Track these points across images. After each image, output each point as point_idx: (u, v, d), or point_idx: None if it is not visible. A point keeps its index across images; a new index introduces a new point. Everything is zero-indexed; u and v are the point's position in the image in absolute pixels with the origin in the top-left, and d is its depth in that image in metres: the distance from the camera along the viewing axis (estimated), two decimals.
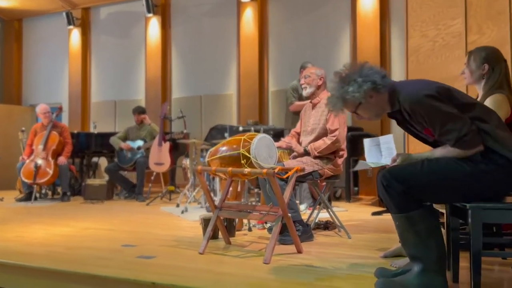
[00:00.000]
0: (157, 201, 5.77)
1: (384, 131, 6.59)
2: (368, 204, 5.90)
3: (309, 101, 3.54)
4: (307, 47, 7.23)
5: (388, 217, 4.43)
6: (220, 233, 3.16)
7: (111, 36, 8.95)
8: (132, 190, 6.22)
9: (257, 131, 5.01)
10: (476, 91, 2.64)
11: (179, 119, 5.87)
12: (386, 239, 3.29)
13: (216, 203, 3.00)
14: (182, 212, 4.63)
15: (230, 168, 2.72)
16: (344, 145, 3.34)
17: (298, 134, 3.60)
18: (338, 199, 5.90)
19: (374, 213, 4.60)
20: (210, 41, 8.06)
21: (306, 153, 3.31)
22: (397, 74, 6.53)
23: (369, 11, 6.72)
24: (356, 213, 4.90)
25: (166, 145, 5.75)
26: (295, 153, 3.43)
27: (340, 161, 3.34)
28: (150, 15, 8.27)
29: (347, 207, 5.39)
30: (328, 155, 3.29)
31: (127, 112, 7.61)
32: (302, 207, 4.73)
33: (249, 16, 7.59)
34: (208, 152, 2.97)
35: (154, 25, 8.41)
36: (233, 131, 5.63)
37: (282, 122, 7.29)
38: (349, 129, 5.80)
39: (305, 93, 3.43)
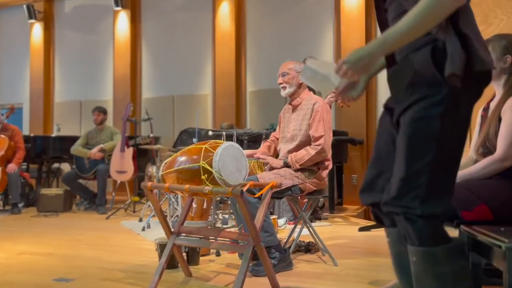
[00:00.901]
0: (120, 213, 5.14)
1: (370, 136, 6.11)
2: (353, 215, 5.41)
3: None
4: (287, 44, 6.71)
5: (377, 233, 3.92)
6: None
7: (77, 31, 8.26)
8: (93, 201, 5.57)
9: (230, 135, 4.43)
10: (491, 90, 2.13)
11: (145, 121, 5.28)
12: (378, 267, 2.77)
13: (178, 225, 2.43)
14: (143, 229, 4.03)
15: (187, 186, 2.15)
16: (329, 154, 2.80)
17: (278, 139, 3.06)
18: (321, 208, 5.34)
19: (361, 229, 4.09)
20: (183, 37, 7.46)
21: (286, 166, 2.77)
22: (384, 75, 6.06)
23: (353, 6, 6.24)
24: (341, 228, 4.39)
25: (129, 151, 5.12)
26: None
27: (324, 173, 2.80)
28: (119, 8, 7.62)
29: (331, 219, 4.88)
30: (311, 167, 2.75)
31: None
32: (280, 221, 4.19)
33: (225, 10, 7.02)
34: (163, 164, 2.39)
35: (122, 20, 7.76)
36: (202, 135, 5.06)
37: (260, 125, 6.77)
38: (333, 133, 5.31)
39: (283, 93, 2.89)
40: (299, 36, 6.67)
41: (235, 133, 4.19)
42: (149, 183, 2.30)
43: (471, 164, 2.13)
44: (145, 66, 7.77)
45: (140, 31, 7.79)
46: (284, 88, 2.86)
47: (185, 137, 5.45)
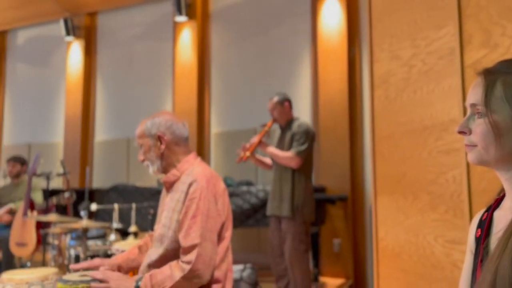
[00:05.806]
0: None
1: (355, 190, 4.87)
2: None
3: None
4: (257, 77, 5.63)
5: None
6: None
7: (29, 65, 7.33)
8: None
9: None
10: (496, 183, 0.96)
11: (59, 176, 4.16)
12: None
13: None
14: None
15: None
16: (222, 271, 1.61)
17: None
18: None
19: None
20: (141, 70, 6.44)
21: None
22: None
23: (334, 32, 5.14)
24: None
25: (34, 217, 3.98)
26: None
27: None
28: (70, 38, 6.68)
29: None
30: None
31: (44, 158, 5.91)
32: None
33: (186, 39, 6.01)
34: None
35: (75, 51, 6.80)
36: (133, 193, 3.92)
37: (227, 173, 5.62)
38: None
39: (151, 170, 1.74)
40: (271, 68, 5.58)
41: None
42: None
43: None
44: (99, 104, 6.74)
45: (96, 64, 6.80)
46: (147, 166, 1.73)
47: (114, 197, 4.30)
